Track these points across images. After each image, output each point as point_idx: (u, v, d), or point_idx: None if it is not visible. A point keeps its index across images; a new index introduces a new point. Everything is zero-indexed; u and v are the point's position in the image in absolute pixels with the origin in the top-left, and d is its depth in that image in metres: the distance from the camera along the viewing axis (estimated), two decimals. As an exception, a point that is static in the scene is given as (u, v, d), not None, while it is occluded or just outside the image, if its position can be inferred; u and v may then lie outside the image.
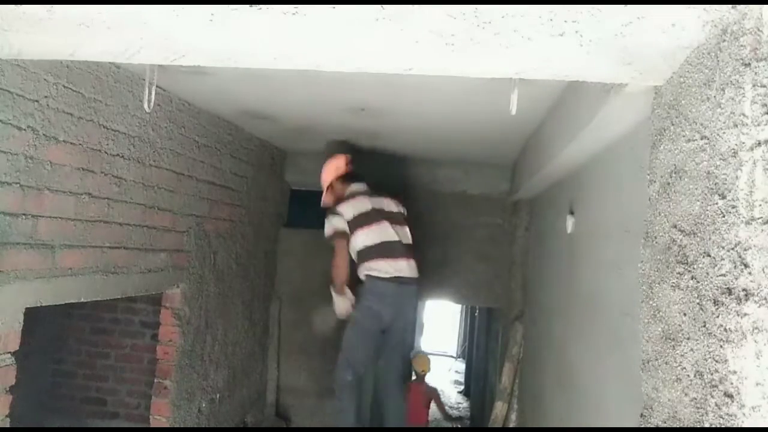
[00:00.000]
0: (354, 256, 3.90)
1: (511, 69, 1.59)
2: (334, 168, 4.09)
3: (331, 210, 3.95)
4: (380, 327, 3.86)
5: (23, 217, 2.26)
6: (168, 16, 1.41)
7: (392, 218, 3.97)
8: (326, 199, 4.12)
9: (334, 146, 4.45)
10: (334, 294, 3.97)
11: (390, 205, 4.05)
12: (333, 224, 3.89)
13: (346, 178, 4.08)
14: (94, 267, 2.70)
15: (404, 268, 3.84)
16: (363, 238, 3.84)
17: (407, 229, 4.05)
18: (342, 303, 3.95)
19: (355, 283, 3.96)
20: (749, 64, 1.09)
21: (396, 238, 3.90)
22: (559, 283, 3.32)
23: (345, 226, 3.85)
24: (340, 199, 4.01)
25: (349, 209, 3.90)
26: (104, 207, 2.76)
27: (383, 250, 3.84)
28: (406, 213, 4.13)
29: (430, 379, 5.91)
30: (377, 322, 3.85)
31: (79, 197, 2.58)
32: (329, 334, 4.62)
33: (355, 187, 4.06)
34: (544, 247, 3.97)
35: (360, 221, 3.86)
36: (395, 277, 3.78)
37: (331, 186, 4.09)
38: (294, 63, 1.69)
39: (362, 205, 3.93)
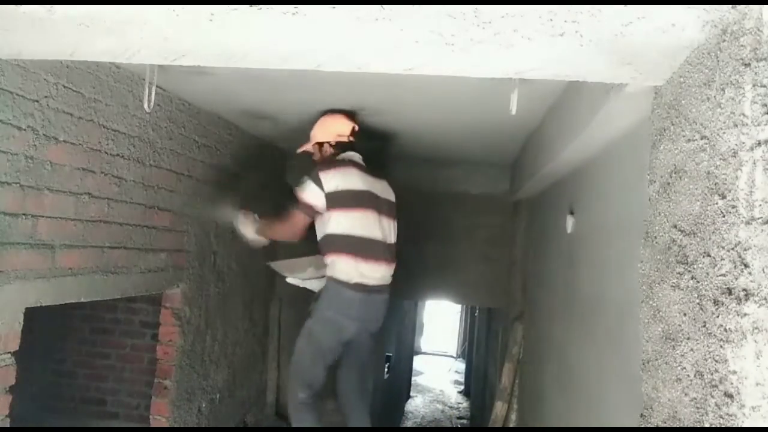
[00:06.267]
0: (319, 236, 3.16)
1: (511, 69, 1.59)
2: (335, 130, 3.32)
3: (311, 172, 3.13)
4: (340, 341, 3.18)
5: (23, 217, 2.26)
6: (168, 16, 1.41)
7: (382, 209, 3.21)
8: (308, 149, 3.44)
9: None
10: (241, 217, 3.52)
11: (386, 191, 3.32)
12: (306, 193, 3.09)
13: (343, 147, 3.33)
14: (94, 267, 2.70)
15: (377, 273, 3.13)
16: (340, 222, 3.07)
17: (394, 224, 3.30)
18: (245, 226, 3.51)
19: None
20: (749, 64, 1.09)
21: (379, 237, 3.14)
22: (559, 283, 3.32)
23: (318, 202, 3.07)
24: (324, 162, 3.27)
25: (332, 179, 3.08)
26: (104, 207, 2.76)
27: (359, 247, 3.07)
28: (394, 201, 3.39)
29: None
30: (336, 337, 3.16)
31: (79, 197, 2.58)
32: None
33: (350, 154, 3.30)
34: (544, 247, 3.96)
35: (342, 200, 3.07)
36: (363, 284, 3.06)
37: (320, 145, 3.36)
38: (294, 63, 1.68)
39: (352, 180, 3.13)
